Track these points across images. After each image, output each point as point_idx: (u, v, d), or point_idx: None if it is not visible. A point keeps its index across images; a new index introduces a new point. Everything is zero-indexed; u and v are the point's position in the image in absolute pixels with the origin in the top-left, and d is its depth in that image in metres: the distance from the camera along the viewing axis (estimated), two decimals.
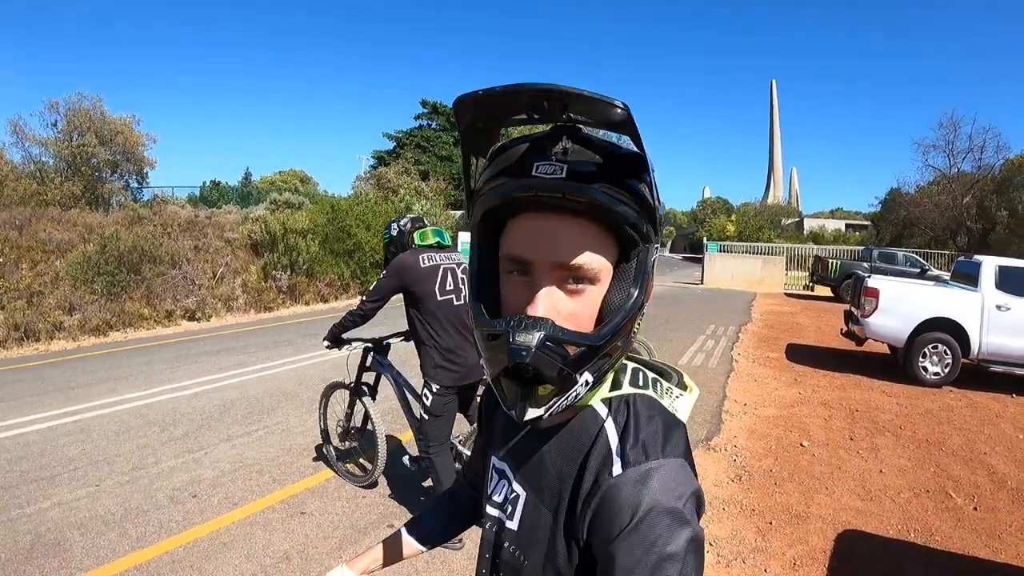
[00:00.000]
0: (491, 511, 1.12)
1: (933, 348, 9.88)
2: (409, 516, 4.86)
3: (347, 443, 5.41)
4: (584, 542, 0.91)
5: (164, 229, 18.20)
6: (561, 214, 0.87)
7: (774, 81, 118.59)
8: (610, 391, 0.99)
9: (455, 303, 4.32)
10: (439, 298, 4.29)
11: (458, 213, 34.15)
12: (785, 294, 26.63)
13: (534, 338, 0.83)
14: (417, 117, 55.62)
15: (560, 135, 0.88)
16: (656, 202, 0.89)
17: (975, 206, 37.83)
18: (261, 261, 18.86)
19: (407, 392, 4.84)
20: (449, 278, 4.36)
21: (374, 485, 5.35)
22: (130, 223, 18.16)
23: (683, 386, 1.05)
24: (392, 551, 1.45)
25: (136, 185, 26.44)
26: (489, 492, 1.14)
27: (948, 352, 9.80)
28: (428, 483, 5.54)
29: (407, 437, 6.27)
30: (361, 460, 5.71)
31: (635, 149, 0.89)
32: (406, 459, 5.20)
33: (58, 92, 53.76)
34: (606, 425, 0.95)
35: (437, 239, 4.53)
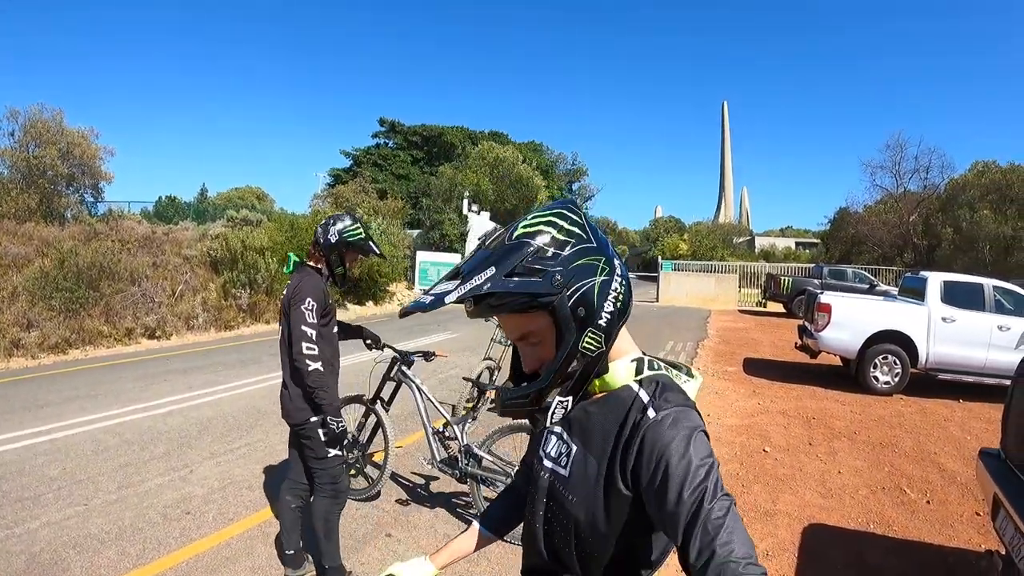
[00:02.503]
0: (546, 463, 1.46)
1: (883, 359, 10.42)
2: (406, 525, 5.09)
3: (354, 455, 5.47)
4: (630, 476, 1.24)
5: (122, 245, 17.92)
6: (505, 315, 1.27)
7: (725, 102, 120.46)
8: (636, 375, 1.34)
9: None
10: None
11: (415, 232, 34.08)
12: (739, 311, 27.40)
13: (501, 401, 1.29)
14: (375, 135, 55.79)
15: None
16: (534, 285, 1.18)
17: (921, 224, 39.24)
18: (221, 279, 18.67)
19: (429, 403, 5.08)
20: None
21: (377, 496, 5.50)
22: (87, 238, 17.81)
23: (690, 375, 1.40)
24: (468, 543, 1.71)
25: (91, 199, 25.91)
26: (545, 449, 1.47)
27: (898, 362, 10.34)
28: (434, 488, 5.80)
29: (407, 441, 6.43)
30: (365, 471, 5.79)
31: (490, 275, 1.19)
32: (423, 459, 5.34)
33: (15, 100, 52.33)
34: (639, 393, 1.30)
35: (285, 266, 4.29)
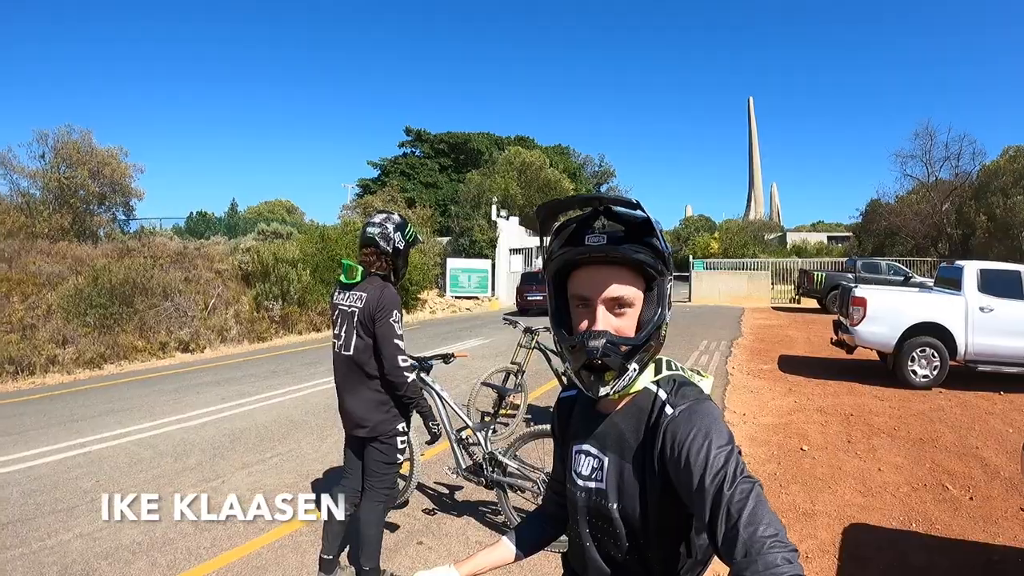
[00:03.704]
0: (580, 483, 1.51)
1: (921, 352, 10.15)
2: (437, 533, 5.04)
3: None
4: (659, 473, 1.32)
5: (154, 261, 18.21)
6: (605, 265, 1.34)
7: (751, 98, 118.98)
8: (655, 376, 1.43)
9: (337, 350, 4.00)
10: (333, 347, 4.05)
11: (445, 239, 34.11)
12: (772, 308, 27.03)
13: (601, 342, 1.31)
14: (401, 145, 55.75)
15: (598, 215, 1.36)
16: (665, 247, 1.35)
17: (954, 212, 38.52)
18: (252, 291, 18.90)
19: (450, 408, 4.99)
20: (339, 322, 3.98)
21: (405, 504, 5.45)
22: (120, 255, 18.16)
23: (701, 375, 1.51)
24: (496, 557, 1.73)
25: (123, 217, 26.33)
26: (578, 470, 1.53)
27: (936, 355, 10.07)
28: (460, 497, 5.72)
29: (431, 452, 6.42)
30: None
31: (646, 216, 1.34)
32: (447, 468, 5.26)
33: (45, 123, 53.35)
34: (658, 393, 1.40)
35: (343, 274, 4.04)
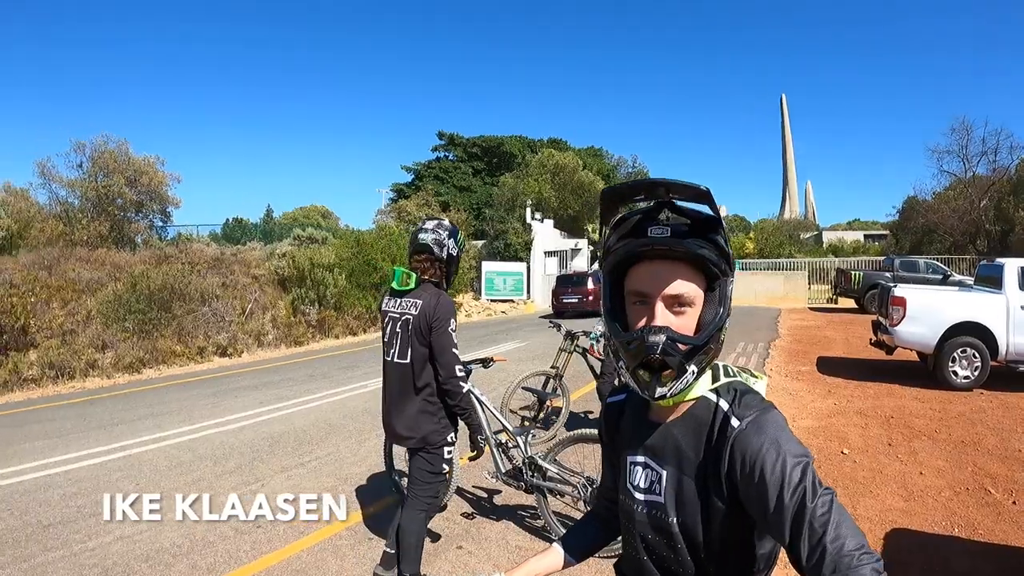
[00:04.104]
0: (637, 495, 1.46)
1: (962, 352, 9.92)
2: (477, 537, 5.02)
3: None
4: (725, 487, 1.27)
5: (191, 267, 18.44)
6: (667, 260, 1.29)
7: (784, 95, 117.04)
8: (712, 383, 1.38)
9: (389, 357, 3.94)
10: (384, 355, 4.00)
11: (480, 243, 34.11)
12: (809, 308, 26.72)
13: (661, 338, 1.25)
14: (434, 149, 55.74)
15: (662, 208, 1.31)
16: (729, 248, 1.31)
17: (992, 209, 37.62)
18: (289, 296, 19.09)
19: (489, 412, 4.98)
20: (390, 330, 3.91)
21: (444, 508, 5.42)
22: (157, 261, 18.42)
23: (754, 376, 1.46)
24: (548, 563, 1.69)
25: (160, 224, 26.74)
26: (633, 482, 1.47)
27: (977, 356, 9.84)
28: (499, 501, 5.70)
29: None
30: None
31: (712, 213, 1.30)
32: (487, 473, 5.26)
33: (82, 132, 54.19)
34: (720, 403, 1.33)
35: (394, 281, 3.95)
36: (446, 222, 3.97)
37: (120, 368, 13.92)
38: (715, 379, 1.39)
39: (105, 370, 13.72)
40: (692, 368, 1.29)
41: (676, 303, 1.29)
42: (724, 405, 1.32)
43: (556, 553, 1.70)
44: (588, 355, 7.55)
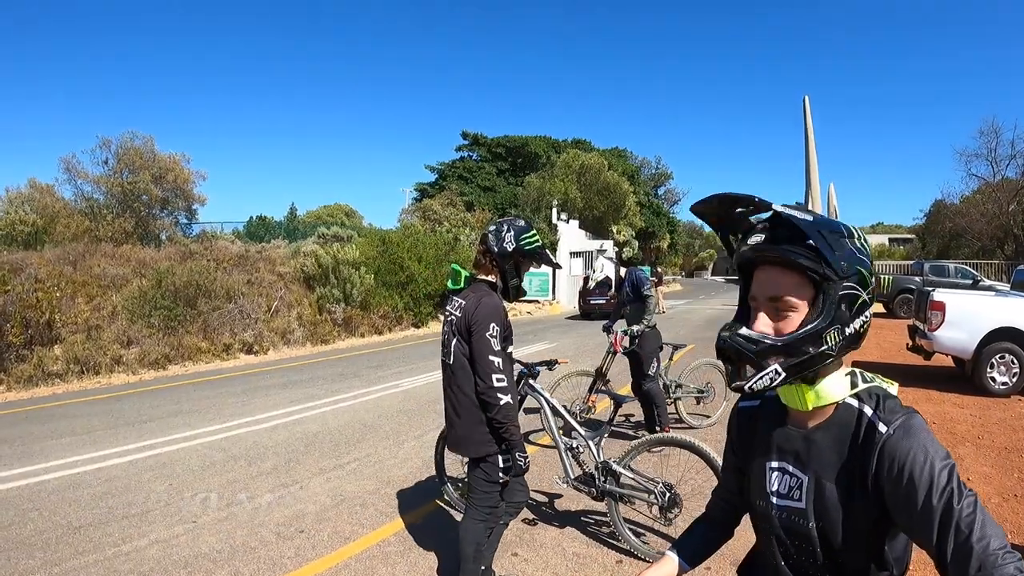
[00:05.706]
0: (775, 501, 1.47)
1: (1000, 358, 9.76)
2: (532, 544, 4.71)
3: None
4: (872, 491, 1.27)
5: (217, 264, 18.28)
6: (773, 267, 1.35)
7: (807, 97, 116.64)
8: (851, 390, 1.38)
9: (443, 356, 3.72)
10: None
11: None
12: None
13: (726, 333, 1.37)
14: (458, 148, 55.72)
15: (771, 212, 1.37)
16: (835, 254, 1.30)
17: (1021, 213, 37.04)
18: (314, 294, 18.91)
19: (557, 414, 4.72)
20: (445, 330, 3.69)
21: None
22: (182, 258, 18.31)
23: (887, 383, 1.44)
24: (664, 572, 1.68)
25: (185, 221, 26.74)
26: (771, 488, 1.48)
27: (1016, 362, 9.68)
28: (559, 506, 5.41)
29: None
30: None
31: (806, 218, 1.32)
32: (557, 477, 4.87)
33: (107, 129, 54.52)
34: (863, 409, 1.35)
35: (450, 280, 3.79)
36: (519, 220, 3.70)
37: (145, 364, 13.72)
38: (854, 385, 1.40)
39: (130, 366, 13.53)
40: (774, 367, 1.31)
41: (776, 307, 1.35)
42: (868, 411, 1.34)
43: (671, 562, 1.69)
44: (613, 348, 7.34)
